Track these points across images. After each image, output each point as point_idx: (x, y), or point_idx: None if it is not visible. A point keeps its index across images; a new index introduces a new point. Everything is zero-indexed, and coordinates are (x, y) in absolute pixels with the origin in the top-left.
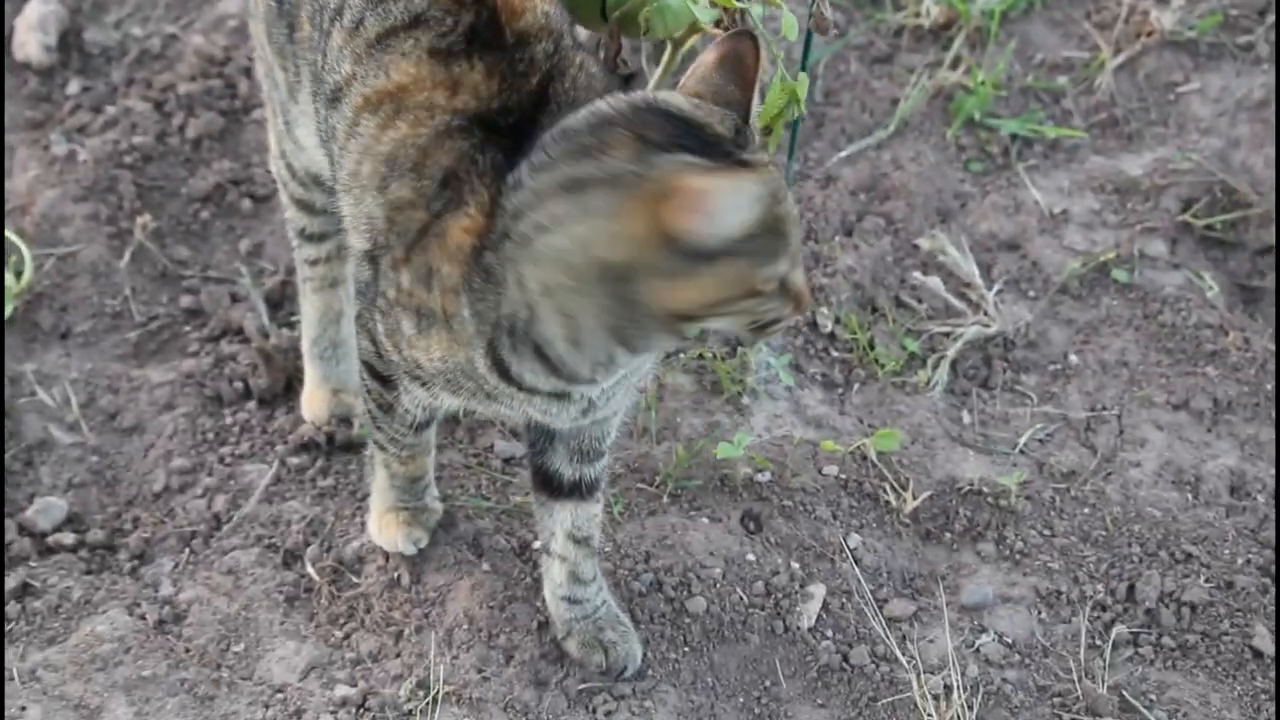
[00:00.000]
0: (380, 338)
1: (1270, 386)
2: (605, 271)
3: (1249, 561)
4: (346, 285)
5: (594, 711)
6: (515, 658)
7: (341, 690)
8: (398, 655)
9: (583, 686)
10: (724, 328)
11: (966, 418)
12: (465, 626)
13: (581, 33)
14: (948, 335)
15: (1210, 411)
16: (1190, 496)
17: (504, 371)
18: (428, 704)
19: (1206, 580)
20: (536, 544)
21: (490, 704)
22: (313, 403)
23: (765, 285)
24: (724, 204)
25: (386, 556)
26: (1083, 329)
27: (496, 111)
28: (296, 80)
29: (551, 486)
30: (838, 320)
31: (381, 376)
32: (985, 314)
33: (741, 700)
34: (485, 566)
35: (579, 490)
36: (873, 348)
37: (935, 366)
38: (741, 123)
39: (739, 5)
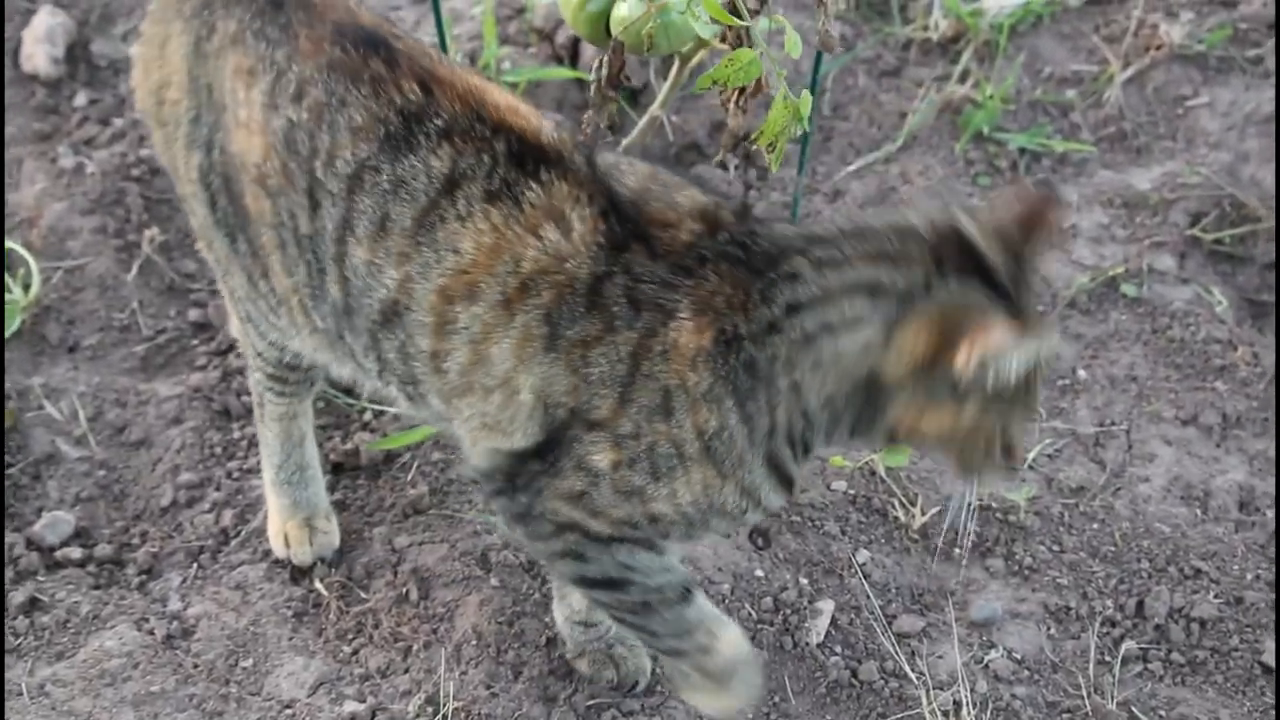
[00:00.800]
0: (592, 526)
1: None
2: (871, 380)
3: (1258, 577)
4: (309, 415)
5: None
6: (524, 673)
7: (350, 706)
8: (406, 671)
9: (591, 702)
10: (951, 458)
11: None
12: (474, 642)
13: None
14: None
15: (1219, 427)
16: (1199, 512)
17: (788, 482)
18: None
19: (1216, 596)
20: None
21: None
22: (291, 540)
23: (996, 435)
24: (1005, 355)
25: (395, 572)
26: (1091, 344)
27: (604, 213)
28: (261, 284)
29: None
30: None
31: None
32: None
33: (750, 715)
34: (494, 582)
35: None
36: None
37: None
38: (1022, 274)
39: (741, 23)
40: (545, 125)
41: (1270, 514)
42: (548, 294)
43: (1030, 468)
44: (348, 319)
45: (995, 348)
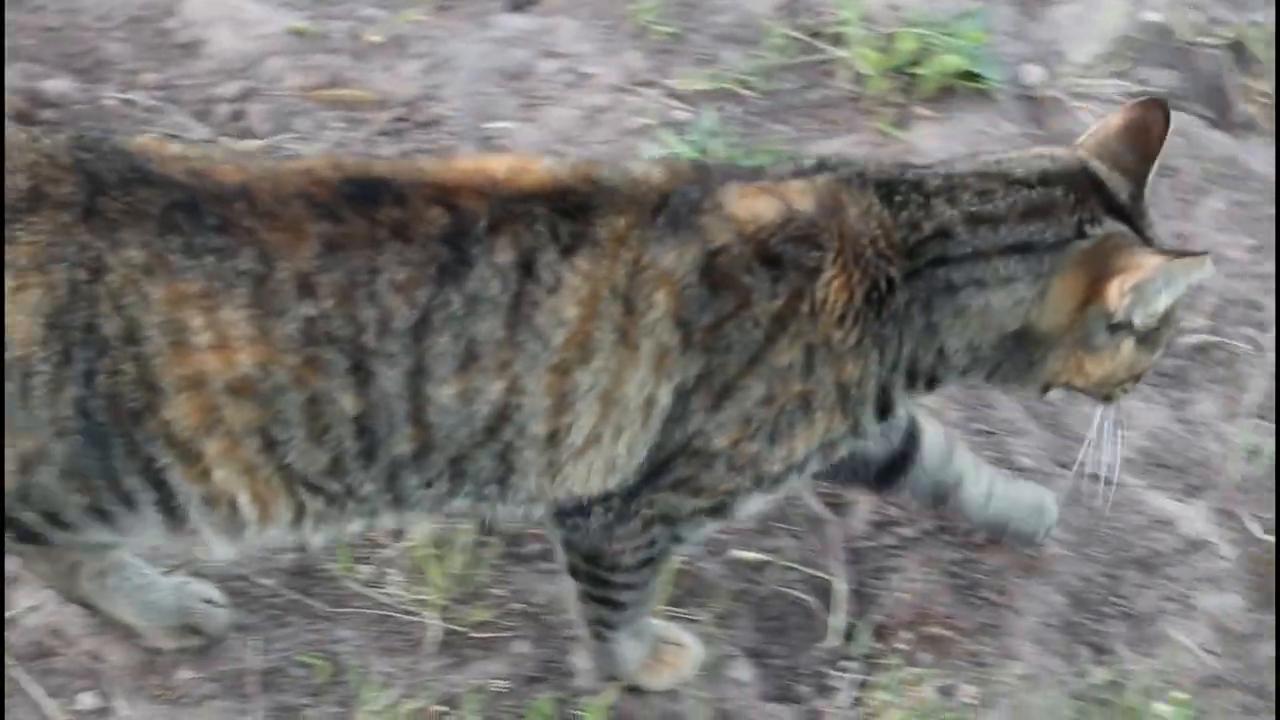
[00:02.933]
0: (686, 507)
1: None
2: (1025, 333)
3: None
4: None
5: None
6: None
7: None
8: None
9: None
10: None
11: None
12: None
13: None
14: None
15: None
16: None
17: (886, 410)
18: None
19: None
20: None
21: None
22: None
23: (1144, 369)
24: (1160, 288)
25: None
26: None
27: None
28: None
29: None
30: None
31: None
32: None
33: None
34: None
35: None
36: None
37: None
38: (1138, 194)
39: None
40: (551, 164)
41: None
42: (664, 298)
43: None
44: (415, 464)
45: (1146, 277)
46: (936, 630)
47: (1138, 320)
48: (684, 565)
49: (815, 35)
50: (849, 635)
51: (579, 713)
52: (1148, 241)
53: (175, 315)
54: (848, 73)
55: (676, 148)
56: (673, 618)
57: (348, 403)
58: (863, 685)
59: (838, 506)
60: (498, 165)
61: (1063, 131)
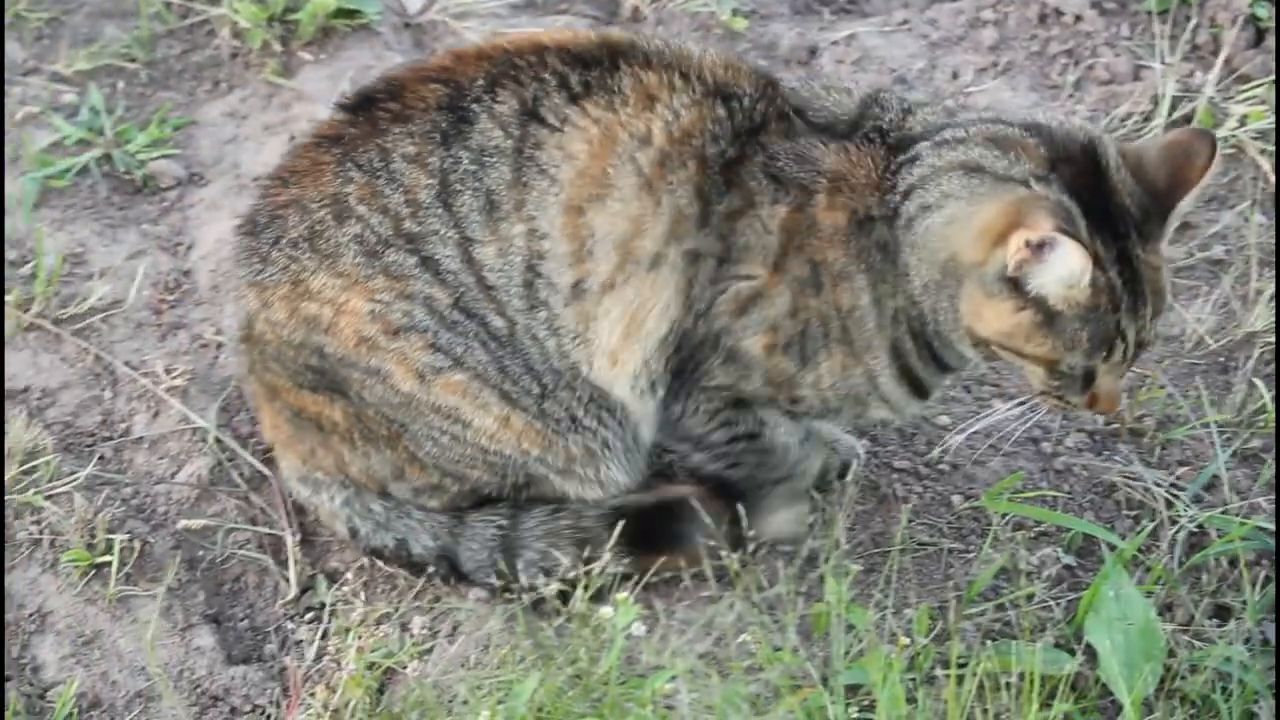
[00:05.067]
0: (749, 412)
1: None
2: (951, 264)
3: None
4: None
5: None
6: None
7: None
8: None
9: None
10: (1024, 372)
11: None
12: None
13: None
14: None
15: None
16: None
17: (915, 384)
18: None
19: None
20: None
21: None
22: None
23: (1062, 364)
24: (1050, 263)
25: None
26: None
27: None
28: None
29: None
30: None
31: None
32: None
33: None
34: None
35: None
36: None
37: None
38: (1155, 213)
39: None
40: (591, 33)
41: None
42: (694, 166)
43: None
44: (511, 342)
45: (1038, 239)
46: (389, 568)
47: (1032, 284)
48: (126, 543)
49: None
50: (306, 586)
51: None
52: (1127, 255)
53: (306, 314)
54: (228, 30)
55: (66, 130)
56: (127, 597)
57: (442, 297)
58: (325, 634)
59: (272, 461)
60: (516, 35)
61: None
